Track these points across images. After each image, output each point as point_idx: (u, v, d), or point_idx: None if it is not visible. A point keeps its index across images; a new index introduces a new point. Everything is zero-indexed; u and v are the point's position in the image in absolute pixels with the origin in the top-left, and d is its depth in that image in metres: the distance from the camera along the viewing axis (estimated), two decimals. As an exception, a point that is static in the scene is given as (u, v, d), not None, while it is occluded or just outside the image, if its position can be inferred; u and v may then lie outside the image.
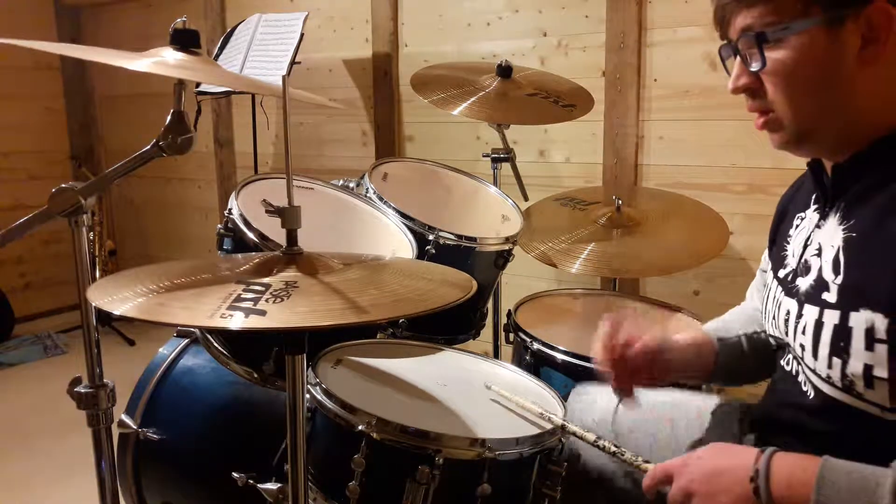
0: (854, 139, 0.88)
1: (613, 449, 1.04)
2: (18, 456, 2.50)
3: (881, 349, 0.79)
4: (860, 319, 0.81)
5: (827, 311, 0.86)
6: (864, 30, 0.81)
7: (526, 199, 2.11)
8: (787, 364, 0.98)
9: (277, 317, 0.79)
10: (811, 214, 0.98)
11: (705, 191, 2.20)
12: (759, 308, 1.13)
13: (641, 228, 1.89)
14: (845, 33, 0.82)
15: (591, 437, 1.07)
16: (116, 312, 0.79)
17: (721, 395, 1.28)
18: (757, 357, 1.12)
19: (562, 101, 2.01)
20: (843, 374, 0.83)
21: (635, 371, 1.09)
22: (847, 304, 0.83)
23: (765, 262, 1.14)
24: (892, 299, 0.78)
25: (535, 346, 1.56)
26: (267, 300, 0.82)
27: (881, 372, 0.79)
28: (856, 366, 0.81)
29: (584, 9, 2.41)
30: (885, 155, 0.86)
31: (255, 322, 0.78)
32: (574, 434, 1.10)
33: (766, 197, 2.13)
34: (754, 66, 0.87)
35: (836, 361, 0.84)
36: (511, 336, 1.70)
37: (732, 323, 1.18)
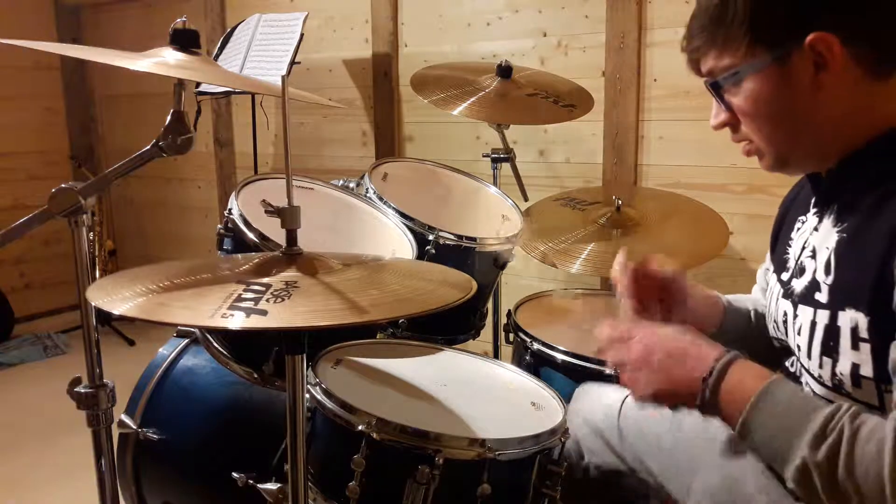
0: (833, 152, 0.90)
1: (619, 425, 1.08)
2: (19, 456, 2.50)
3: (865, 348, 0.80)
4: (846, 319, 0.82)
5: (819, 312, 0.87)
6: (813, 58, 0.83)
7: (526, 199, 2.11)
8: (792, 366, 0.99)
9: (279, 317, 0.79)
10: (811, 218, 0.99)
11: (705, 191, 2.20)
12: (761, 300, 1.17)
13: (641, 228, 1.88)
14: (795, 66, 0.84)
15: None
16: (116, 312, 0.79)
17: None
18: (761, 335, 1.14)
19: (562, 101, 2.01)
20: (833, 374, 0.84)
21: (650, 294, 1.14)
22: (835, 303, 0.85)
23: (767, 262, 1.15)
24: (872, 298, 0.79)
25: (535, 346, 1.56)
26: (268, 300, 0.82)
27: (867, 371, 0.80)
28: (844, 365, 0.83)
29: (584, 9, 2.41)
30: (873, 158, 0.87)
31: (256, 322, 0.78)
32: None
33: (766, 197, 2.13)
34: (723, 108, 0.92)
35: (827, 361, 0.85)
36: (511, 336, 1.70)
37: (744, 299, 1.22)
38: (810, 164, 0.95)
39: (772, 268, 1.08)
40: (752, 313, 1.18)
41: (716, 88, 0.91)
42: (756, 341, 1.16)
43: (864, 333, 0.80)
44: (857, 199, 0.87)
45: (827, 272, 0.87)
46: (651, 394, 0.90)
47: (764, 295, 1.18)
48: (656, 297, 1.14)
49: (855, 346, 0.81)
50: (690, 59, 0.94)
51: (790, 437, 0.76)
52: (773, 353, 1.10)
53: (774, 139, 0.91)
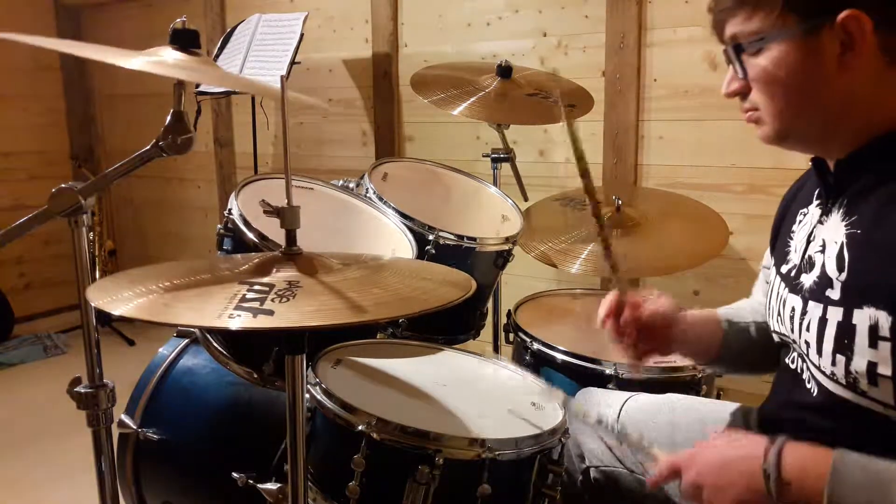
0: (837, 139, 0.89)
1: (618, 428, 1.06)
2: (18, 456, 2.50)
3: (885, 347, 0.79)
4: (864, 317, 0.81)
5: (831, 308, 0.86)
6: (842, 37, 0.82)
7: (526, 199, 2.11)
8: (792, 362, 0.99)
9: (286, 316, 0.79)
10: (813, 210, 0.98)
11: (705, 191, 2.19)
12: (764, 304, 1.14)
13: (641, 228, 1.88)
14: (822, 42, 0.83)
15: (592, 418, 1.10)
16: (120, 314, 0.79)
17: (723, 400, 1.28)
18: (764, 347, 1.12)
19: (562, 102, 2.01)
20: (847, 371, 0.83)
21: (640, 337, 1.11)
22: (851, 301, 0.83)
23: (767, 259, 1.14)
24: (895, 297, 0.78)
25: (535, 346, 1.56)
26: (273, 300, 0.82)
27: (885, 370, 0.79)
28: (859, 363, 0.82)
29: (584, 9, 2.41)
30: (884, 152, 0.86)
31: (264, 322, 0.78)
32: (577, 415, 1.12)
33: (766, 197, 2.13)
34: (739, 73, 0.91)
35: (840, 358, 0.84)
36: (511, 336, 1.70)
37: (743, 310, 1.19)
38: (810, 146, 0.94)
39: (772, 262, 1.07)
40: (752, 327, 1.16)
41: (737, 51, 0.89)
42: (756, 357, 1.14)
43: (884, 332, 0.79)
44: (867, 193, 0.86)
45: (840, 269, 0.86)
46: None
47: (763, 292, 1.17)
48: (644, 336, 1.11)
49: (873, 345, 0.80)
50: (716, 20, 0.92)
51: None
52: (774, 365, 1.08)
53: (782, 113, 0.89)
